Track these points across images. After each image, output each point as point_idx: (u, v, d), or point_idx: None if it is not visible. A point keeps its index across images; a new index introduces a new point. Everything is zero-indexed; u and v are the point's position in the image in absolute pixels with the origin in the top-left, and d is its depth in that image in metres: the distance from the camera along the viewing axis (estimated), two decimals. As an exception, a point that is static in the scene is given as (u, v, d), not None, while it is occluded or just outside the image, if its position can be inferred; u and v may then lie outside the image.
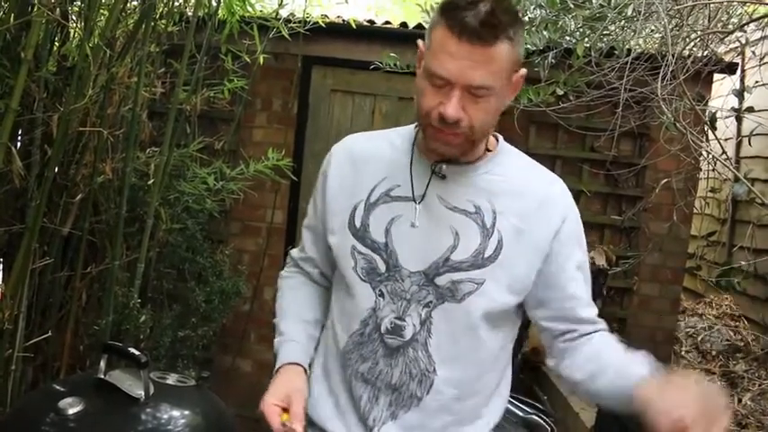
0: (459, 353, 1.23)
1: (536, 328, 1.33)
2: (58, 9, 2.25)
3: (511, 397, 2.22)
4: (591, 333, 1.26)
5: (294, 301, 1.42)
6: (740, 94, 2.64)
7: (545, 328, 1.29)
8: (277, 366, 1.30)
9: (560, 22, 2.63)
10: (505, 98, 1.18)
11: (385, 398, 1.24)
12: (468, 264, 1.20)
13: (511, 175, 1.26)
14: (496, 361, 1.31)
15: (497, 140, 1.31)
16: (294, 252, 1.48)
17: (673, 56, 2.03)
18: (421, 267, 1.21)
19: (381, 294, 1.23)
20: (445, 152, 1.19)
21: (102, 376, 1.57)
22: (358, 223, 1.25)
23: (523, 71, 1.19)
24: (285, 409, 1.21)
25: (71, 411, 1.46)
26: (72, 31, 2.45)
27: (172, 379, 1.69)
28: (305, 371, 1.30)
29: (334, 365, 1.31)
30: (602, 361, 1.22)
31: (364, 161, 1.30)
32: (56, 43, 2.41)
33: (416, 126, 1.29)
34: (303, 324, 1.37)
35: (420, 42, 1.20)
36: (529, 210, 1.23)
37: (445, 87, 1.11)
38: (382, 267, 1.23)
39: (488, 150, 1.27)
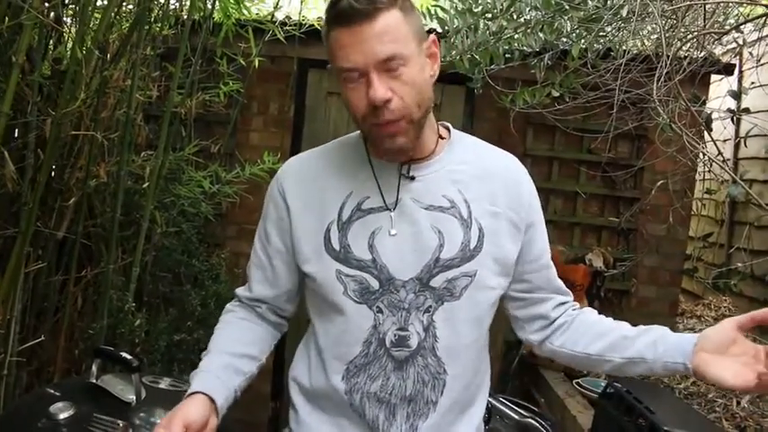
0: (463, 346, 1.23)
1: (509, 306, 1.36)
2: (52, 13, 2.26)
3: (507, 400, 2.23)
4: (568, 303, 1.35)
5: (223, 335, 1.31)
6: (736, 95, 2.63)
7: (523, 299, 1.33)
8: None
9: (556, 24, 2.63)
10: (426, 67, 1.16)
11: (402, 412, 1.21)
12: (458, 259, 1.19)
13: (471, 160, 1.27)
14: (487, 338, 1.33)
15: (449, 130, 1.31)
16: (240, 290, 1.38)
17: (667, 57, 2.02)
18: (413, 274, 1.19)
19: (380, 310, 1.19)
20: (399, 146, 1.15)
21: (94, 380, 1.57)
22: (337, 246, 1.20)
23: (433, 36, 1.19)
24: None
25: (62, 416, 1.45)
26: (65, 34, 2.44)
27: (164, 383, 1.68)
28: (209, 398, 1.15)
29: (326, 398, 1.25)
30: (606, 325, 1.30)
31: (323, 179, 1.26)
32: (50, 47, 2.41)
33: (362, 136, 1.28)
34: (224, 356, 1.25)
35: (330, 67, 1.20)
36: (496, 191, 1.24)
37: (361, 79, 1.11)
38: (375, 284, 1.19)
39: (441, 138, 1.28)
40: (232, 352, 1.26)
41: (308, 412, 1.29)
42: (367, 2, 1.07)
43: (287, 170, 1.31)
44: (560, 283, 1.36)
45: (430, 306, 1.19)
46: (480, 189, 1.24)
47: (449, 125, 1.32)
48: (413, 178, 1.22)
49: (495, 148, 1.33)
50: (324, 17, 1.16)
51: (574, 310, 1.35)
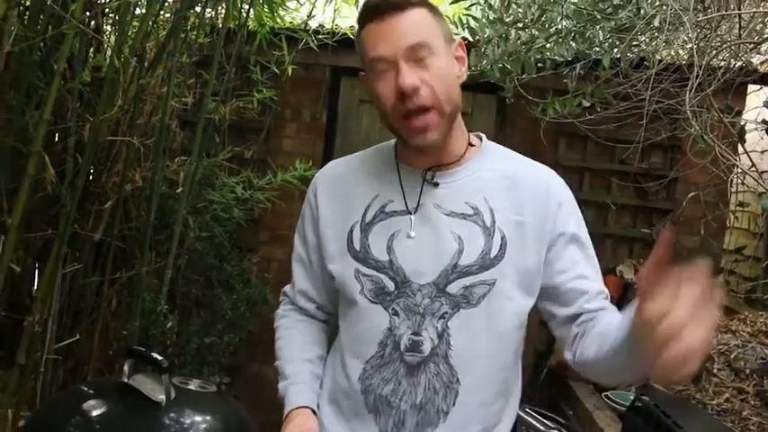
0: (481, 357, 1.21)
1: (546, 320, 1.28)
2: (93, 22, 2.33)
3: (533, 411, 2.22)
4: (597, 312, 1.20)
5: (294, 341, 1.38)
6: (771, 106, 2.58)
7: (554, 315, 1.25)
8: (286, 411, 1.26)
9: (588, 33, 2.62)
10: (454, 65, 1.19)
11: (411, 419, 1.20)
12: (476, 266, 1.18)
13: (500, 170, 1.26)
14: (516, 360, 1.29)
15: (481, 140, 1.31)
16: (287, 289, 1.45)
17: (699, 67, 2.00)
18: (430, 279, 1.19)
19: (395, 313, 1.20)
20: (430, 141, 1.17)
21: (126, 380, 1.60)
22: (357, 246, 1.24)
23: (460, 39, 1.22)
24: None
25: (94, 413, 1.49)
26: (105, 43, 2.51)
27: (194, 384, 1.72)
28: (314, 412, 1.26)
29: (346, 398, 1.27)
30: (605, 326, 1.14)
31: (353, 183, 1.30)
32: (90, 55, 2.48)
33: (396, 140, 1.30)
34: (307, 364, 1.33)
35: (362, 75, 1.23)
36: (523, 201, 1.22)
37: (390, 71, 1.13)
38: (391, 286, 1.20)
39: (471, 145, 1.28)
40: (310, 358, 1.34)
41: (327, 414, 1.30)
42: None
43: (321, 175, 1.36)
44: (590, 295, 1.22)
45: (445, 312, 1.18)
46: (506, 198, 1.22)
47: (483, 135, 1.32)
48: (436, 185, 1.23)
49: (528, 160, 1.31)
50: (357, 24, 1.19)
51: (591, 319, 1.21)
